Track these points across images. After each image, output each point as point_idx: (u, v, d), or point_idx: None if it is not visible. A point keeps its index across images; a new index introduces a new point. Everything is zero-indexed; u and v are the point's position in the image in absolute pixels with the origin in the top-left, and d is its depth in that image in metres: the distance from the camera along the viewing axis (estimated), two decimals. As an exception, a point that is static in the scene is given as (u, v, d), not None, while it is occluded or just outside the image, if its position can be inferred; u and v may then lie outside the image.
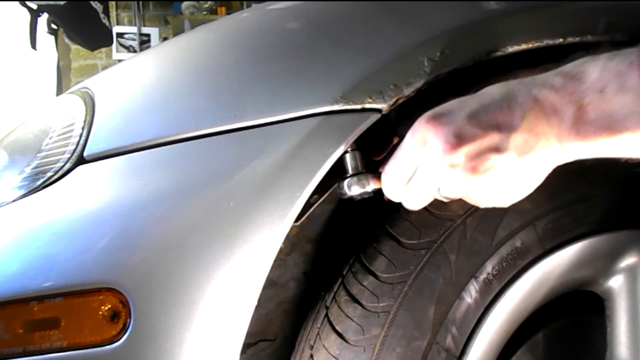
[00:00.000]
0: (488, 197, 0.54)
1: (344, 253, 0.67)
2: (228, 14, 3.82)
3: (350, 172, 0.60)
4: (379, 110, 0.56)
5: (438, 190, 0.55)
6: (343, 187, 0.60)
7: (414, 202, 0.57)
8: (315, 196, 0.62)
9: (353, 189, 0.59)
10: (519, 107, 0.50)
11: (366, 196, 0.61)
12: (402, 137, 0.56)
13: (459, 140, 0.51)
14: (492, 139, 0.51)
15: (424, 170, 0.54)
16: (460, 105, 0.52)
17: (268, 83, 0.57)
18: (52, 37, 2.84)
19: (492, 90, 0.53)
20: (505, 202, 0.55)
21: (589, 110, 0.48)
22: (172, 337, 0.50)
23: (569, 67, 0.50)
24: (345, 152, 0.59)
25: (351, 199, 0.61)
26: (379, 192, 0.60)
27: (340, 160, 0.59)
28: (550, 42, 0.58)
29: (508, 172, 0.51)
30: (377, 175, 0.59)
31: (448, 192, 0.54)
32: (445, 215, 0.63)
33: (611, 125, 0.47)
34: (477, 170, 0.51)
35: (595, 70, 0.48)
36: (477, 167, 0.51)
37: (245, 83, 0.58)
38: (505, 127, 0.50)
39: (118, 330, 0.50)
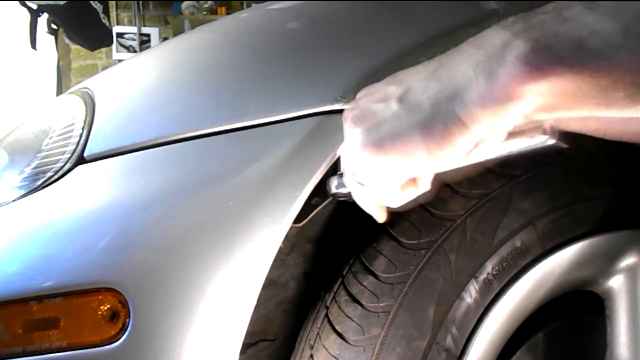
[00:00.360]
0: (372, 147, 0.46)
1: (344, 253, 0.67)
2: (228, 14, 3.82)
3: (342, 170, 0.59)
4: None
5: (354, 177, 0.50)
6: (331, 184, 0.58)
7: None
8: (317, 198, 0.62)
9: (342, 187, 0.58)
10: (432, 63, 0.46)
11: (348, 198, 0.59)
12: None
13: (362, 93, 0.49)
14: (387, 91, 0.47)
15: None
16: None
17: (268, 83, 0.57)
18: (52, 37, 2.84)
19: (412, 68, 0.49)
20: (394, 163, 0.46)
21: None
22: (171, 337, 0.50)
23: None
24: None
25: (337, 197, 0.60)
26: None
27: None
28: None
29: (392, 124, 0.45)
30: None
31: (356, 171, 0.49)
32: (445, 215, 0.63)
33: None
34: (358, 120, 0.46)
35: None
36: (353, 117, 0.47)
37: (245, 83, 0.58)
38: (407, 82, 0.46)
39: (117, 330, 0.50)
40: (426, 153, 0.43)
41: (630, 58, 0.36)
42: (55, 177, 0.57)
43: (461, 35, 0.57)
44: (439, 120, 0.43)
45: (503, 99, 0.40)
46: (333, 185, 0.58)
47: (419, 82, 0.45)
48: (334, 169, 0.59)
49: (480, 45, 0.42)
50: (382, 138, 0.45)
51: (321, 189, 0.57)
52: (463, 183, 0.63)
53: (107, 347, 0.50)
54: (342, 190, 0.58)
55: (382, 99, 0.47)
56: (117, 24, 4.47)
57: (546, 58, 0.38)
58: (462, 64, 0.43)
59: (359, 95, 0.50)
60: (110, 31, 2.93)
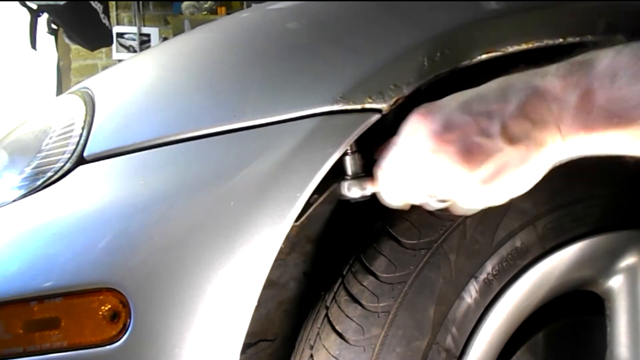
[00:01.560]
0: (478, 192, 0.51)
1: (344, 253, 0.67)
2: (228, 14, 3.82)
3: (350, 174, 0.60)
4: (379, 111, 0.56)
5: (431, 194, 0.53)
6: (342, 189, 0.60)
7: (409, 197, 0.55)
8: (315, 196, 0.62)
9: (352, 191, 0.59)
10: (515, 95, 0.48)
11: (365, 199, 0.61)
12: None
13: (445, 127, 0.49)
14: (481, 123, 0.48)
15: (414, 162, 0.52)
16: (454, 97, 0.51)
17: (268, 83, 0.57)
18: (52, 37, 2.84)
19: (490, 83, 0.51)
20: (496, 198, 0.52)
21: (597, 97, 0.44)
22: (172, 337, 0.50)
23: (577, 57, 0.48)
24: (346, 154, 0.60)
25: (350, 200, 0.61)
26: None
27: (340, 162, 0.59)
28: (550, 42, 0.58)
29: (499, 163, 0.48)
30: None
31: (439, 191, 0.52)
32: (445, 215, 0.63)
33: (621, 114, 0.43)
34: (462, 158, 0.49)
35: (606, 57, 0.45)
36: (461, 153, 0.49)
37: (245, 83, 0.58)
38: (497, 114, 0.48)
39: (118, 330, 0.50)
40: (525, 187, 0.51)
41: None
42: (55, 177, 0.57)
43: (461, 36, 0.57)
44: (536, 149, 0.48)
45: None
46: (344, 191, 0.59)
47: (513, 118, 0.48)
48: (334, 169, 0.59)
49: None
50: (496, 177, 0.49)
51: (319, 188, 0.58)
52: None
53: (107, 347, 0.50)
54: (353, 194, 0.59)
55: (481, 132, 0.49)
56: (117, 24, 4.47)
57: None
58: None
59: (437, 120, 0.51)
60: (110, 31, 2.93)
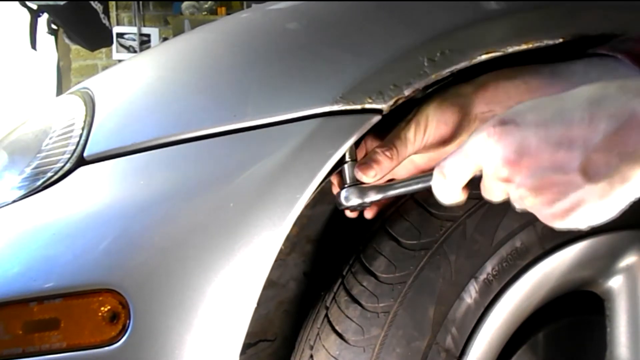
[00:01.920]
0: (552, 218, 0.46)
1: (344, 253, 0.67)
2: (228, 14, 3.82)
3: (349, 182, 0.59)
4: (379, 111, 0.55)
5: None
6: (340, 197, 0.59)
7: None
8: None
9: (351, 200, 0.59)
10: (605, 121, 0.41)
11: (364, 207, 0.60)
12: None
13: (518, 156, 0.45)
14: (558, 156, 0.43)
15: (483, 176, 0.49)
16: (535, 111, 0.45)
17: (268, 83, 0.57)
18: (52, 37, 2.84)
19: (581, 94, 0.44)
20: (575, 225, 0.46)
21: None
22: (171, 338, 0.50)
23: None
24: (345, 162, 0.59)
25: (348, 209, 0.60)
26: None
27: (339, 170, 0.59)
28: (550, 42, 0.58)
29: (575, 200, 0.44)
30: (376, 187, 0.59)
31: (513, 203, 0.49)
32: (445, 216, 0.63)
33: None
34: (534, 192, 0.45)
35: None
36: (533, 187, 0.45)
37: (245, 83, 0.58)
38: (579, 144, 0.42)
39: (117, 331, 0.50)
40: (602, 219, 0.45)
41: None
42: (56, 177, 0.57)
43: (461, 36, 0.57)
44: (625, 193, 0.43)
45: None
46: (343, 198, 0.59)
47: (597, 151, 0.42)
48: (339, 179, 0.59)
49: None
50: (571, 213, 0.45)
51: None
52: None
53: (107, 348, 0.50)
54: (352, 203, 0.58)
55: (557, 167, 0.44)
56: (117, 24, 4.47)
57: None
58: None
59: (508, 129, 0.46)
60: (110, 31, 2.93)
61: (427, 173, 0.56)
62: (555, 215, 0.46)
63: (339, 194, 0.60)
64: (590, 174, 0.42)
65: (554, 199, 0.44)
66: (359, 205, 0.59)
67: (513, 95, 0.57)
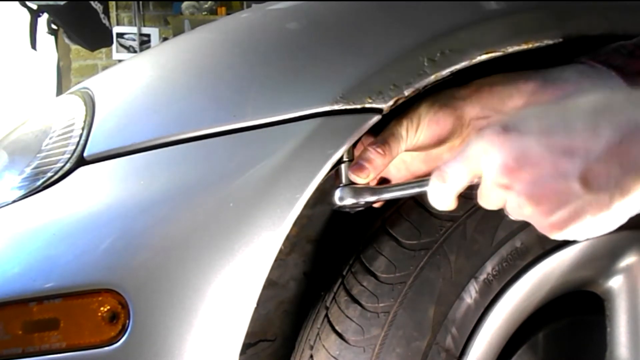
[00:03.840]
0: (550, 229, 0.46)
1: (344, 253, 0.67)
2: (228, 14, 3.82)
3: (344, 181, 0.59)
4: (379, 111, 0.55)
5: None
6: (335, 197, 0.59)
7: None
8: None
9: (345, 200, 0.58)
10: (609, 131, 0.40)
11: (358, 208, 0.60)
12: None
13: (520, 163, 0.44)
14: (559, 164, 0.43)
15: (482, 182, 0.49)
16: (538, 117, 0.45)
17: (268, 83, 0.57)
18: (52, 37, 2.84)
19: (586, 102, 0.43)
20: (573, 236, 0.46)
21: None
22: (171, 338, 0.50)
23: None
24: (342, 161, 0.59)
25: (341, 209, 0.60)
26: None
27: (335, 169, 0.59)
28: (550, 42, 0.58)
29: (573, 210, 0.43)
30: (371, 189, 0.58)
31: (509, 213, 0.48)
32: (446, 216, 0.63)
33: None
34: (533, 200, 0.44)
35: None
36: (532, 196, 0.44)
37: (245, 83, 0.58)
38: (581, 153, 0.41)
39: (117, 331, 0.50)
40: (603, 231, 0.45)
41: None
42: (55, 177, 0.57)
43: (461, 36, 0.57)
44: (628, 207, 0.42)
45: None
46: (337, 198, 0.58)
47: (599, 161, 0.41)
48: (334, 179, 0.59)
49: None
50: (570, 223, 0.44)
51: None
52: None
53: (106, 348, 0.50)
54: (346, 203, 0.58)
55: (557, 175, 0.43)
56: (117, 24, 4.47)
57: None
58: None
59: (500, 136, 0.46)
60: (110, 31, 2.93)
61: (424, 177, 0.55)
62: (554, 225, 0.45)
63: (333, 193, 0.59)
64: (590, 183, 0.41)
65: (553, 209, 0.44)
66: (353, 205, 0.58)
67: (506, 100, 0.57)
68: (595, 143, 0.41)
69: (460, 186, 0.50)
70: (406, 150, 0.60)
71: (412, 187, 0.57)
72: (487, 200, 0.49)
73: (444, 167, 0.50)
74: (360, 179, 0.58)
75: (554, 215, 0.44)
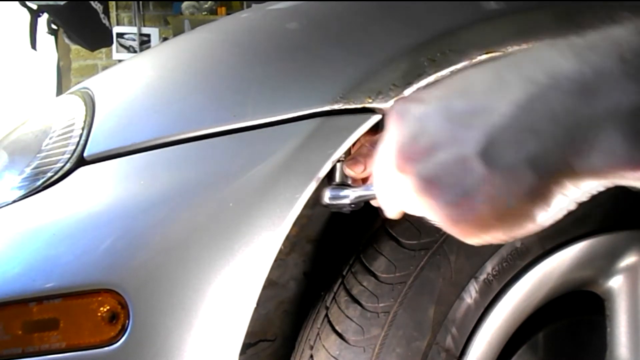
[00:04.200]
0: (451, 223, 0.36)
1: (344, 253, 0.67)
2: (228, 14, 3.82)
3: (337, 181, 0.59)
4: (379, 111, 0.56)
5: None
6: (325, 196, 0.59)
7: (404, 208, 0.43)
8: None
9: (336, 199, 0.58)
10: (518, 86, 0.32)
11: (347, 208, 0.59)
12: None
13: (413, 139, 0.36)
14: (456, 136, 0.34)
15: (386, 176, 0.41)
16: (443, 85, 0.38)
17: (268, 83, 0.57)
18: (52, 37, 2.84)
19: (486, 68, 0.35)
20: (484, 239, 0.36)
21: None
22: (171, 338, 0.50)
23: None
24: (338, 160, 0.58)
25: (331, 208, 0.59)
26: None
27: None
28: (550, 42, 0.58)
29: (480, 190, 0.33)
30: (362, 188, 0.58)
31: (410, 210, 0.40)
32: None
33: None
34: (427, 181, 0.36)
35: None
36: (426, 176, 0.36)
37: (245, 83, 0.58)
38: (479, 119, 0.33)
39: (117, 331, 0.50)
40: (530, 225, 0.34)
41: None
42: (56, 177, 0.57)
43: (461, 36, 0.57)
44: (547, 187, 0.32)
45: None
46: (327, 197, 0.58)
47: (504, 128, 0.32)
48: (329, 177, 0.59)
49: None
50: (477, 214, 0.34)
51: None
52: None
53: (106, 348, 0.50)
54: (336, 202, 0.58)
55: (453, 148, 0.34)
56: (117, 24, 4.47)
57: None
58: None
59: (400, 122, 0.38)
60: (110, 31, 2.93)
61: None
62: (458, 223, 0.35)
63: (323, 191, 0.59)
64: (492, 157, 0.32)
65: (452, 196, 0.34)
66: (343, 205, 0.58)
67: None
68: (499, 103, 0.32)
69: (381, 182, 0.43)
70: None
71: None
72: (385, 195, 0.41)
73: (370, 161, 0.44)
74: (355, 174, 0.58)
75: (455, 208, 0.34)
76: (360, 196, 0.58)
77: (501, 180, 0.32)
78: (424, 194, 0.36)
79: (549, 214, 0.34)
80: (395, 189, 0.40)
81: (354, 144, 0.61)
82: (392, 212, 0.46)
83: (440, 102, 0.35)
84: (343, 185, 0.59)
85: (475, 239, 0.36)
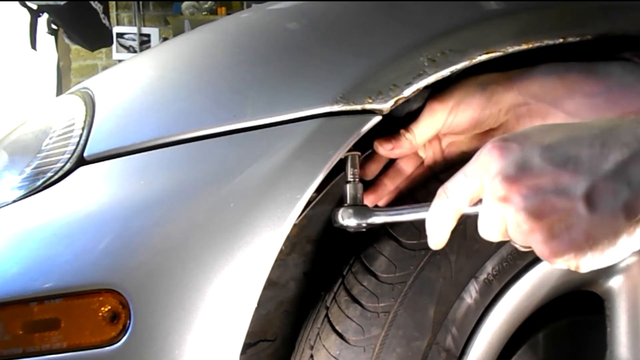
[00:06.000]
0: (550, 254, 0.41)
1: (344, 253, 0.67)
2: (228, 14, 3.82)
3: (349, 202, 0.59)
4: (379, 111, 0.56)
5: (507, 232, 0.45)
6: (337, 216, 0.59)
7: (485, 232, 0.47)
8: (313, 194, 0.62)
9: (350, 220, 0.58)
10: (617, 149, 0.39)
11: (360, 229, 0.59)
12: None
13: (519, 172, 0.41)
14: (562, 179, 0.40)
15: (483, 200, 0.45)
16: (541, 131, 0.43)
17: (268, 83, 0.57)
18: (52, 37, 2.84)
19: (594, 123, 0.42)
20: (573, 264, 0.41)
21: None
22: (171, 338, 0.50)
23: None
24: (348, 181, 0.60)
25: (342, 228, 0.60)
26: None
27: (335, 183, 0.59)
28: (550, 42, 0.58)
29: (579, 229, 0.39)
30: (378, 211, 0.59)
31: (512, 236, 0.44)
32: (445, 216, 0.62)
33: None
34: (532, 215, 0.40)
35: None
36: (532, 211, 0.40)
37: (245, 83, 0.58)
38: (585, 168, 0.39)
39: (118, 331, 0.50)
40: (614, 258, 0.40)
41: None
42: (56, 177, 0.57)
43: (461, 36, 0.57)
44: (634, 228, 0.39)
45: None
46: (339, 218, 0.59)
47: (606, 179, 0.39)
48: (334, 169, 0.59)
49: None
50: (571, 248, 0.40)
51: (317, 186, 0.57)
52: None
53: (107, 348, 0.50)
54: (349, 223, 0.58)
55: (560, 189, 0.40)
56: (117, 24, 4.47)
57: None
58: None
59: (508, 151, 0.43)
60: (110, 31, 2.93)
61: (427, 203, 0.53)
62: (554, 249, 0.41)
63: (335, 212, 0.60)
64: (595, 203, 0.39)
65: (554, 229, 0.40)
66: (356, 226, 0.59)
67: (548, 89, 0.57)
68: (602, 160, 0.39)
69: (461, 202, 0.47)
70: (443, 134, 0.61)
71: (418, 211, 0.55)
72: (488, 223, 0.46)
73: (446, 183, 0.48)
74: (383, 151, 0.60)
75: (555, 238, 0.40)
76: (384, 222, 0.58)
77: (600, 222, 0.39)
78: (529, 225, 0.41)
79: (631, 247, 0.40)
80: (491, 215, 0.44)
81: (356, 148, 0.61)
82: (439, 240, 0.50)
83: (547, 148, 0.41)
84: (355, 205, 0.59)
85: (560, 263, 0.42)
